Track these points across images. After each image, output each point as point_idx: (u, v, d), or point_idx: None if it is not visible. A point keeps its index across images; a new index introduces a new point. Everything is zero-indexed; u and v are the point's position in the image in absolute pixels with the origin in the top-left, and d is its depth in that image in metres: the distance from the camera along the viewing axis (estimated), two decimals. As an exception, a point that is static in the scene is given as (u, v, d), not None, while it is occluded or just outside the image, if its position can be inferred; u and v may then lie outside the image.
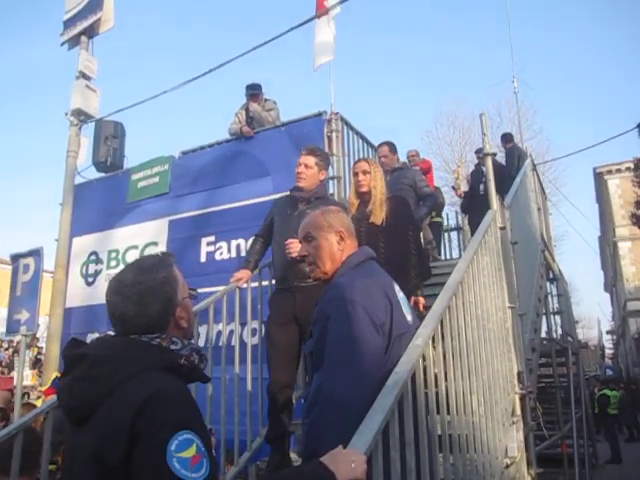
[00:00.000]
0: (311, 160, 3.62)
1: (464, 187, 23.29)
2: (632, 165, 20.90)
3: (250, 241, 4.10)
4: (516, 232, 4.30)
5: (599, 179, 29.42)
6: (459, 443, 2.10)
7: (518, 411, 3.30)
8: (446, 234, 10.15)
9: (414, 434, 1.66)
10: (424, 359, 1.85)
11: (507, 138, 7.87)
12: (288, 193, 3.80)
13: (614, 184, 27.92)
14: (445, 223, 9.76)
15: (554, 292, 8.19)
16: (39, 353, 17.86)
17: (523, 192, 5.54)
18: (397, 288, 1.92)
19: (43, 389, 5.47)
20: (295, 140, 5.76)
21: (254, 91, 6.31)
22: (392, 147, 5.87)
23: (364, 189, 3.57)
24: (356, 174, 3.64)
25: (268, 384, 3.45)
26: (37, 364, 17.30)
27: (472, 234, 8.80)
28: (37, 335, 15.87)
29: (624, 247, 27.53)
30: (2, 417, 5.43)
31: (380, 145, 6.01)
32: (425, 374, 1.86)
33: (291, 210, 3.59)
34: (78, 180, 7.38)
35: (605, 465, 11.43)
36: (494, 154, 3.95)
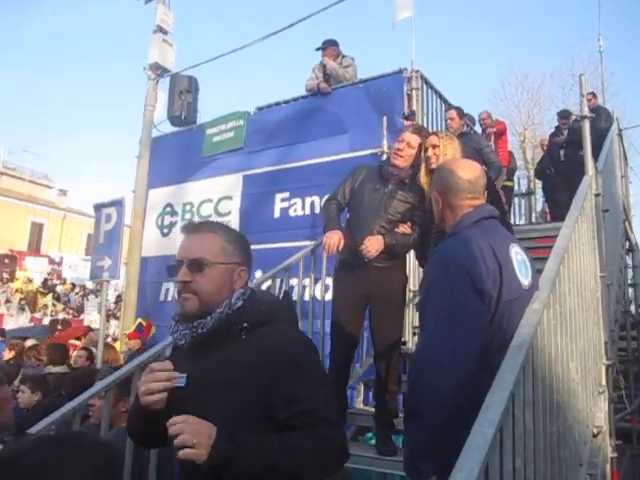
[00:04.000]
0: (415, 140, 3.29)
1: (530, 151, 22.39)
2: None
3: (323, 203, 3.69)
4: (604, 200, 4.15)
5: (677, 146, 27.69)
6: (563, 409, 2.10)
7: (604, 381, 3.26)
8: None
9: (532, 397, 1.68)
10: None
11: (589, 97, 7.45)
12: (380, 164, 3.54)
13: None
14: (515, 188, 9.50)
15: (630, 264, 7.89)
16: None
17: (610, 158, 5.30)
18: (516, 250, 1.88)
19: (127, 332, 5.78)
20: (374, 98, 5.69)
21: (327, 45, 6.21)
22: (460, 111, 5.72)
23: (433, 166, 3.09)
24: (426, 149, 3.24)
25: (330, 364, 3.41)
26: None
27: (547, 200, 8.57)
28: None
29: (699, 220, 26.06)
30: (88, 357, 5.80)
31: (448, 108, 5.87)
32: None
33: (380, 185, 3.34)
34: (154, 134, 7.58)
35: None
36: (592, 117, 3.77)
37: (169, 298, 6.83)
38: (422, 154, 3.18)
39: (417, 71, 5.56)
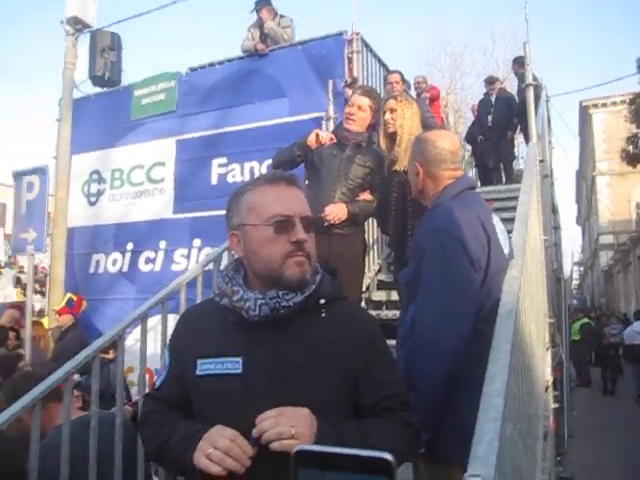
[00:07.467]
0: (365, 102, 3.31)
1: (452, 116, 23.09)
2: (623, 100, 20.88)
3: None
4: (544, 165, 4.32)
5: (584, 113, 29.42)
6: (530, 369, 2.18)
7: (547, 338, 3.44)
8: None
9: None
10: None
11: (521, 62, 7.57)
12: (333, 130, 3.56)
13: (599, 118, 28.00)
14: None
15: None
16: (20, 272, 17.72)
17: (542, 125, 5.50)
18: (496, 219, 1.91)
19: (57, 309, 5.45)
20: (313, 60, 5.55)
21: (261, 5, 5.97)
22: (403, 76, 5.72)
23: (391, 129, 3.10)
24: (384, 113, 3.21)
25: None
26: (19, 282, 17.24)
27: (477, 165, 8.84)
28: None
29: (602, 182, 28.03)
30: (16, 337, 5.45)
31: (392, 72, 5.84)
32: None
33: (338, 151, 3.32)
34: (76, 95, 7.06)
35: (576, 387, 12.24)
36: (535, 85, 3.86)
37: (100, 270, 6.50)
38: (381, 118, 3.14)
39: (357, 34, 5.47)
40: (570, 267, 29.56)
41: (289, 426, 1.10)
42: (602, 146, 27.50)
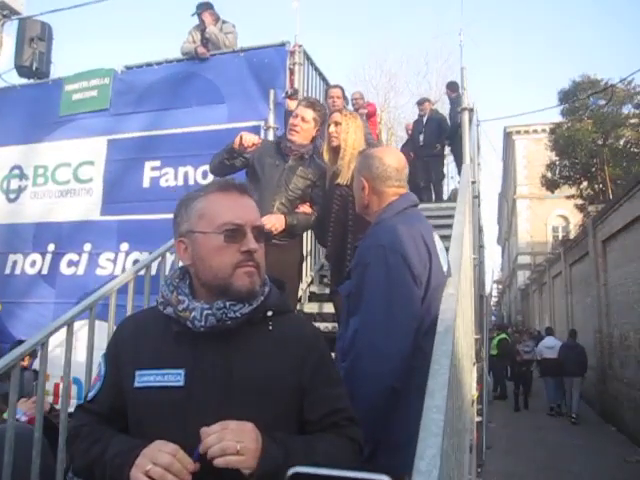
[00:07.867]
0: (309, 114, 3.28)
1: (385, 134, 23.63)
2: (544, 129, 22.14)
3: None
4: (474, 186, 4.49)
5: (508, 138, 30.98)
6: (460, 384, 2.24)
7: (474, 353, 3.57)
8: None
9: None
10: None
11: (453, 87, 7.91)
12: (277, 140, 3.50)
13: (521, 145, 29.58)
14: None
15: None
16: None
17: (472, 147, 5.73)
18: (437, 238, 1.96)
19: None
20: (255, 69, 5.52)
21: (203, 8, 5.89)
22: (343, 91, 5.81)
23: (335, 143, 3.14)
24: (328, 126, 3.25)
25: None
26: None
27: (409, 182, 9.08)
28: None
29: (522, 204, 29.56)
30: None
31: (333, 86, 5.91)
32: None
33: (280, 161, 3.28)
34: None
35: (493, 400, 12.74)
36: (471, 109, 4.02)
37: (17, 271, 6.11)
38: (326, 131, 3.15)
39: (300, 45, 5.49)
40: (490, 285, 30.88)
41: (234, 441, 1.07)
42: (523, 171, 29.06)
